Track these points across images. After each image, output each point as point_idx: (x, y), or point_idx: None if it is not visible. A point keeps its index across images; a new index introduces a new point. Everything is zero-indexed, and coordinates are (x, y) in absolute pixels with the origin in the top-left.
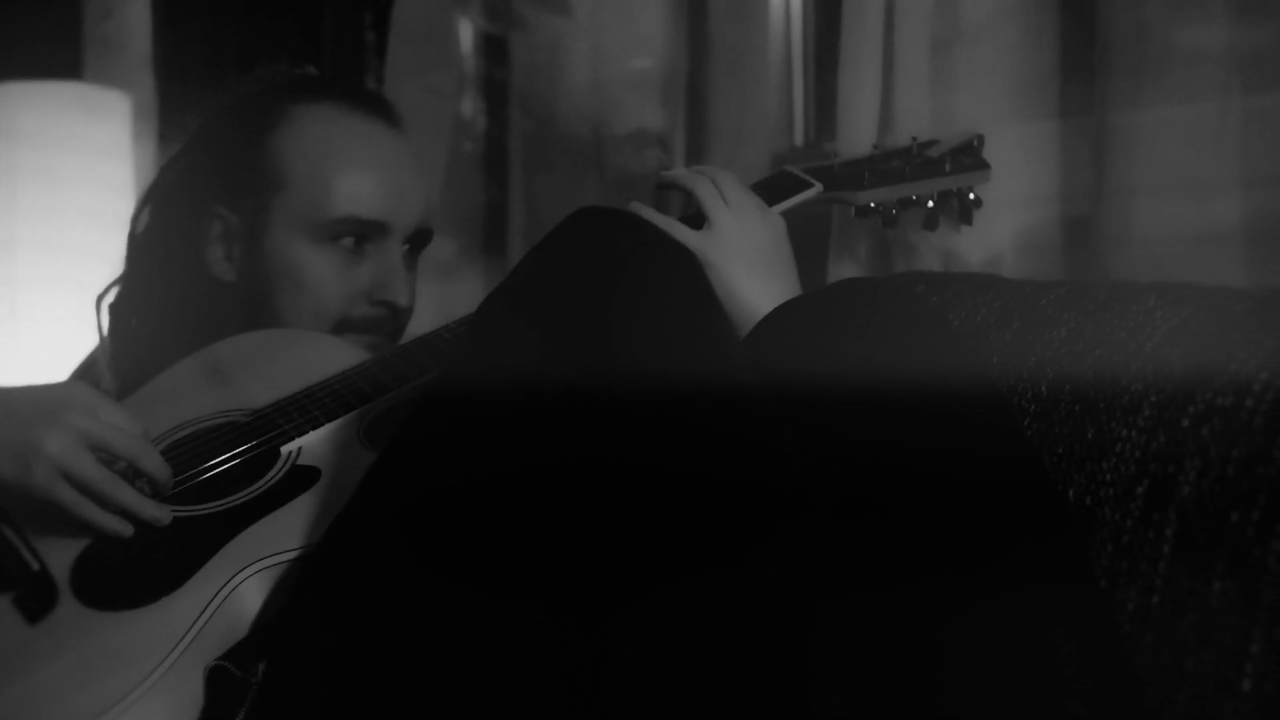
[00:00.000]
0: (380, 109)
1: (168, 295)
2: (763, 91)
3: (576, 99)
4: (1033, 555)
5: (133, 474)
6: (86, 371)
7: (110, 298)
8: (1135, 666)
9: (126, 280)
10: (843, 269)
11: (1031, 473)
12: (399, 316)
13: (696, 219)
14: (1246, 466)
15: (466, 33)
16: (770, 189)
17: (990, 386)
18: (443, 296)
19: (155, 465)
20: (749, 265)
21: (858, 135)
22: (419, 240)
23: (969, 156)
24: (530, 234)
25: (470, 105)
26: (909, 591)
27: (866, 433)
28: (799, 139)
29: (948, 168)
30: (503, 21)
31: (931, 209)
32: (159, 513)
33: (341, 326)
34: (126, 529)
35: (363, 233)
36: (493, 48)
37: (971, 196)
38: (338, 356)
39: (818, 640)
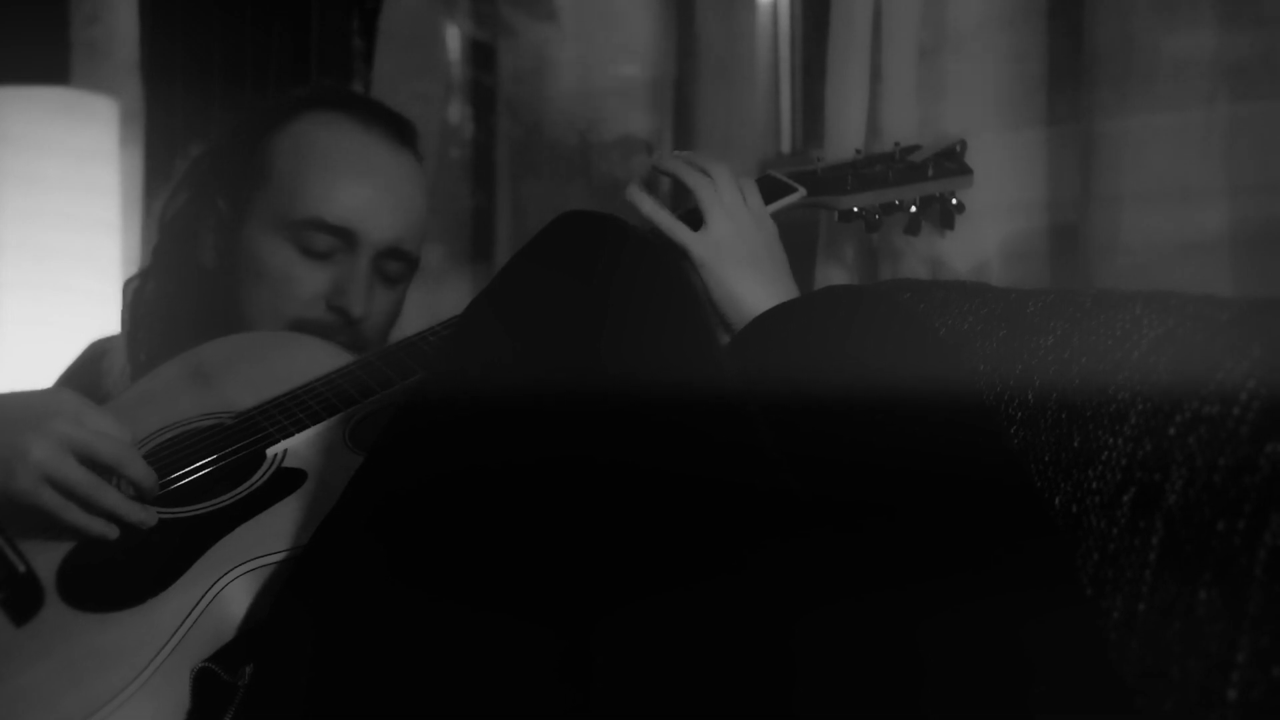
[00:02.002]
0: (392, 127)
1: (174, 280)
2: (750, 98)
3: (564, 105)
4: (1015, 559)
5: (117, 479)
6: (93, 362)
7: (136, 282)
8: (1121, 674)
9: (151, 265)
10: (830, 274)
11: (1014, 477)
12: (352, 326)
13: (692, 216)
14: (1233, 475)
15: (454, 39)
16: None
17: (973, 392)
18: (430, 302)
19: (140, 471)
20: (744, 267)
21: (845, 142)
22: (394, 259)
23: (951, 161)
24: (517, 239)
25: (457, 111)
26: (891, 596)
27: (849, 437)
28: (786, 146)
29: (930, 173)
30: (490, 28)
31: (914, 214)
32: (144, 516)
33: (296, 326)
34: (112, 531)
35: (330, 240)
36: (480, 54)
37: (954, 201)
38: (322, 359)
39: (801, 645)
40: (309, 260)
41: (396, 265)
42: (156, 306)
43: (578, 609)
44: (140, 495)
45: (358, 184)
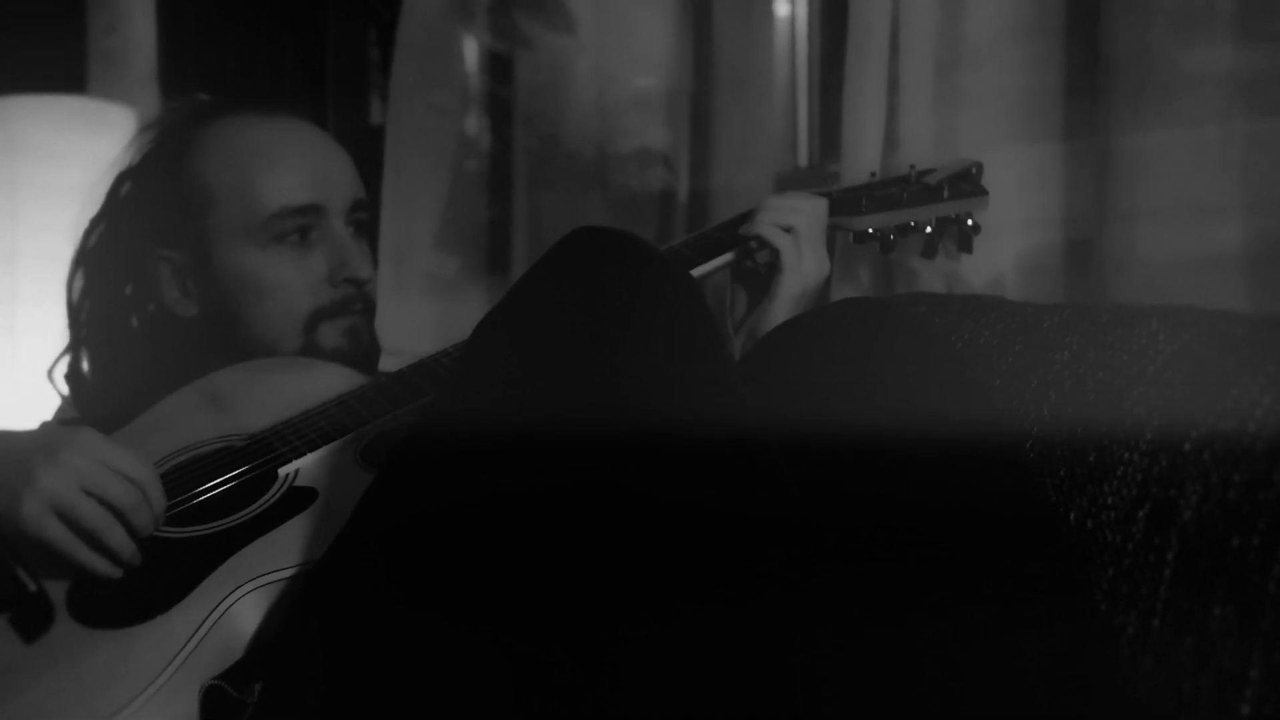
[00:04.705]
0: (284, 108)
1: (127, 348)
2: (767, 111)
3: (581, 117)
4: (1035, 591)
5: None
6: None
7: (62, 368)
8: (1134, 689)
9: (75, 347)
10: (845, 290)
11: (1037, 513)
12: (365, 290)
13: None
14: (1248, 491)
15: (471, 50)
16: None
17: (990, 412)
18: (446, 314)
19: (144, 520)
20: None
21: (861, 156)
22: (357, 211)
23: (967, 183)
24: (533, 252)
25: (474, 123)
26: (908, 627)
27: (864, 467)
28: (803, 159)
29: (946, 194)
30: (508, 39)
31: (930, 235)
32: (135, 559)
33: (316, 318)
34: (115, 572)
35: (302, 222)
36: (498, 65)
37: (970, 223)
38: (334, 382)
39: (810, 678)
40: (293, 251)
41: (361, 215)
42: (105, 383)
43: (587, 637)
44: (133, 535)
45: (300, 162)
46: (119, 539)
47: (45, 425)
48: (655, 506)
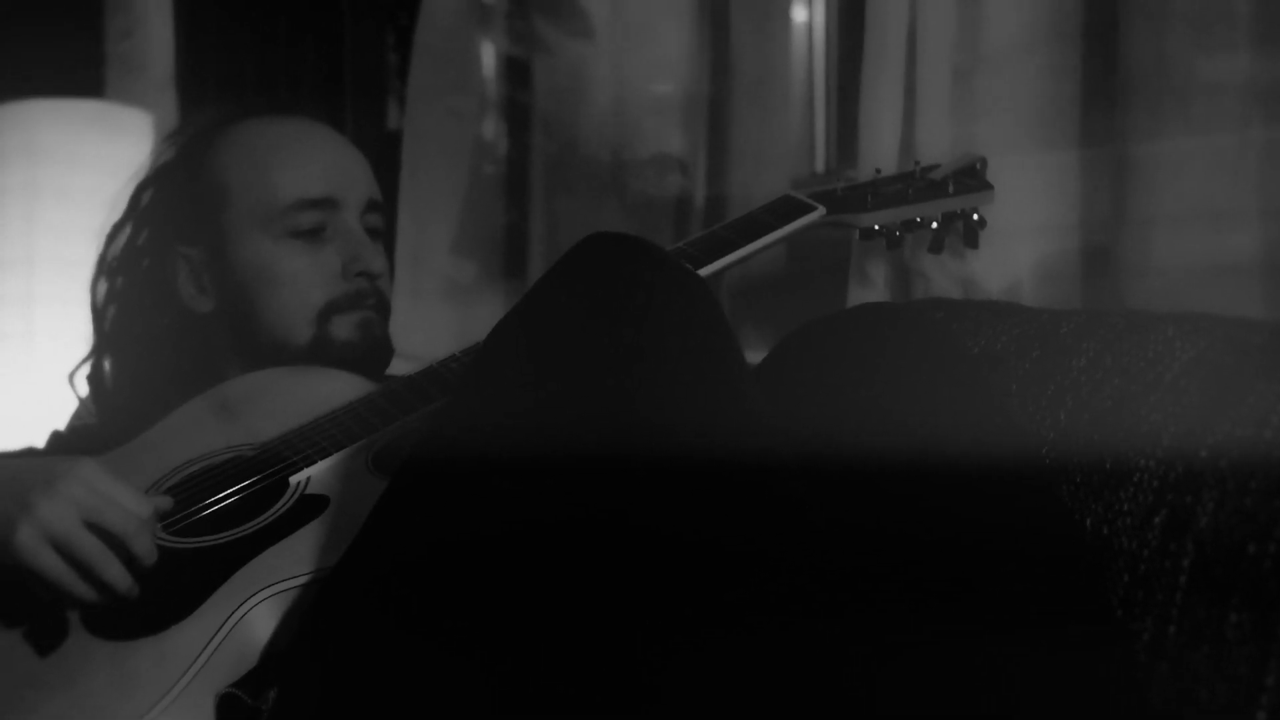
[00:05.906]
0: (301, 111)
1: (150, 350)
2: (784, 117)
3: (598, 122)
4: (1057, 608)
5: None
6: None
7: (84, 372)
8: (1150, 696)
9: (99, 351)
10: (861, 296)
11: (1049, 517)
12: (377, 284)
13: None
14: (1264, 498)
15: (489, 55)
16: (773, 213)
17: (1006, 418)
18: (462, 318)
19: (144, 548)
20: None
21: (878, 162)
22: (372, 212)
23: (972, 178)
24: (550, 257)
25: (492, 128)
26: (934, 652)
27: (880, 482)
28: (820, 165)
29: (950, 189)
30: (525, 44)
31: (936, 230)
32: (132, 591)
33: (328, 310)
34: (108, 603)
35: (317, 215)
36: (515, 70)
37: (975, 218)
38: (344, 389)
39: (842, 706)
40: (308, 244)
41: (375, 217)
42: (125, 385)
43: (603, 666)
44: (131, 567)
45: (317, 157)
46: (115, 572)
47: (45, 454)
48: (673, 535)
